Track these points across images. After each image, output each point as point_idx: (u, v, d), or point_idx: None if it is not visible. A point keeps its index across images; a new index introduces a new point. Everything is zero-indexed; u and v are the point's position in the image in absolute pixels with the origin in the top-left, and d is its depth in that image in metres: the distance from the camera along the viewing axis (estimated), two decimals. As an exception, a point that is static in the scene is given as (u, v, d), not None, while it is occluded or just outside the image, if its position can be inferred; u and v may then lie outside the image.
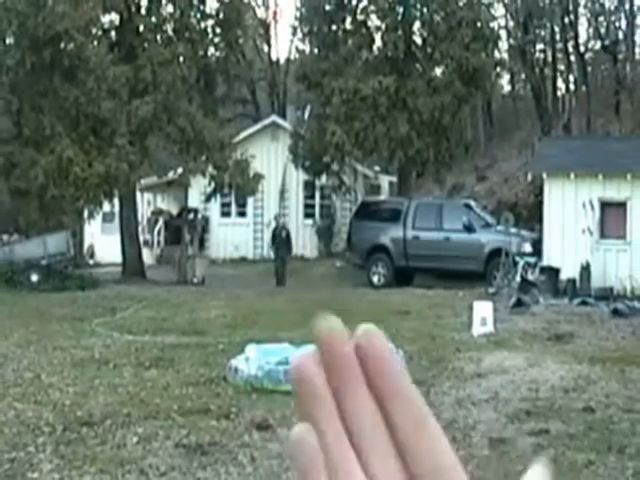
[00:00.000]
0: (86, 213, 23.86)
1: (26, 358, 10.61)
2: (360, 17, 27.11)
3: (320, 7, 27.10)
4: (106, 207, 25.32)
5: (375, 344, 0.46)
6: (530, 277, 17.77)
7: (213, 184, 23.75)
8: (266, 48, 46.55)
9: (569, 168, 19.75)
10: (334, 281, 24.43)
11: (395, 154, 26.46)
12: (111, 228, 29.53)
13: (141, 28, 23.44)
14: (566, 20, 36.76)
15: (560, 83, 40.47)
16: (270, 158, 30.50)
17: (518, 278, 17.43)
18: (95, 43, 22.26)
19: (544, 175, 20.09)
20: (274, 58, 46.10)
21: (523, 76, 40.91)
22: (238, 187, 24.00)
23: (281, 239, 24.28)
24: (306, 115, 29.30)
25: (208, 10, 24.24)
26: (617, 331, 12.97)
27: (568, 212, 19.44)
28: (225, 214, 31.25)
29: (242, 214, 30.45)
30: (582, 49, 37.72)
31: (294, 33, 30.13)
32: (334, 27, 27.17)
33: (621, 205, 19.19)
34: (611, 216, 19.27)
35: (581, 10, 37.80)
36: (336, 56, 26.32)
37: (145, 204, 31.88)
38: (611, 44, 36.53)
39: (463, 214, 22.53)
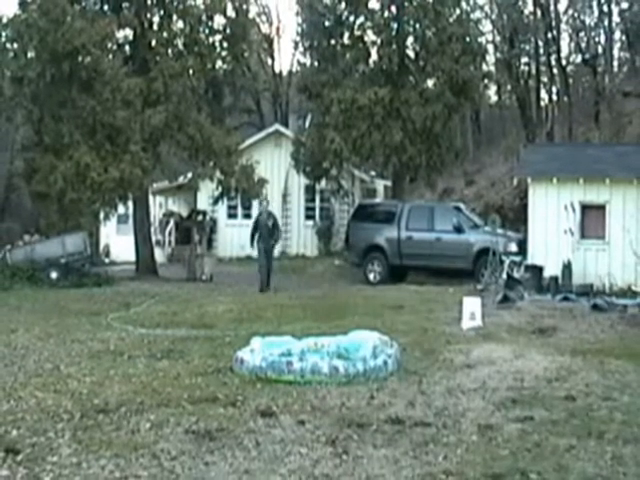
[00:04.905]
0: (102, 215, 23.85)
1: (46, 350, 10.60)
2: (357, 32, 27.09)
3: (320, 23, 27.09)
4: (121, 209, 25.34)
5: None
6: (515, 275, 17.75)
7: (220, 188, 23.72)
8: (270, 61, 46.63)
9: (552, 173, 19.74)
10: (333, 278, 24.43)
11: (390, 160, 26.46)
12: (125, 229, 29.53)
13: (153, 43, 23.42)
14: (549, 35, 36.75)
15: (543, 94, 40.52)
16: (273, 164, 30.50)
17: (504, 275, 17.41)
18: (110, 57, 22.23)
19: (529, 180, 20.08)
20: (277, 71, 46.19)
21: (509, 87, 40.91)
22: (244, 191, 23.96)
23: (267, 228, 19.83)
24: (307, 124, 29.28)
25: (216, 26, 24.20)
26: (597, 325, 12.96)
27: (551, 214, 19.42)
28: (232, 216, 31.27)
29: (247, 216, 30.38)
30: (564, 62, 37.75)
31: (296, 47, 30.12)
32: (333, 42, 27.14)
33: (600, 208, 19.18)
34: (591, 218, 19.26)
35: (563, 26, 37.83)
36: (335, 69, 26.30)
37: (157, 206, 31.88)
38: (591, 58, 36.53)
39: (453, 216, 22.52)
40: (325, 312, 14.36)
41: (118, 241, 32.05)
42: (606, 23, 36.23)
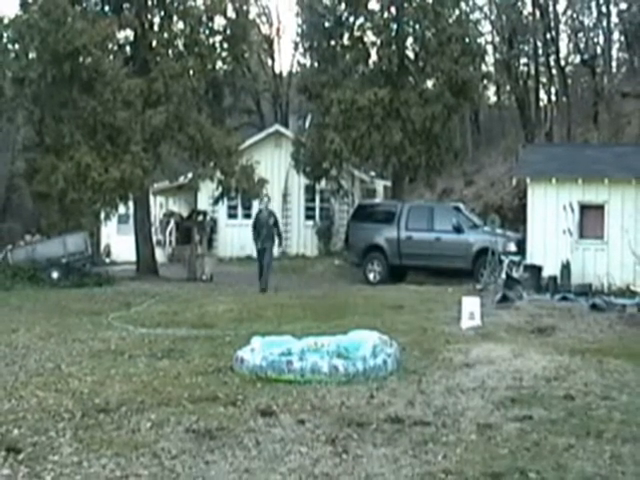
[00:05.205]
0: (103, 215, 23.81)
1: (47, 349, 10.60)
2: (357, 33, 27.11)
3: (320, 24, 27.10)
4: (121, 209, 25.31)
5: None
6: (514, 274, 17.76)
7: (221, 188, 23.72)
8: (270, 62, 46.61)
9: (551, 173, 19.74)
10: (333, 278, 24.44)
11: (389, 160, 26.48)
12: (126, 229, 29.54)
13: (154, 43, 23.42)
14: (548, 36, 36.75)
15: (542, 94, 40.49)
16: (274, 164, 30.50)
17: (503, 275, 17.43)
18: (111, 57, 22.23)
19: (527, 180, 20.07)
20: (277, 71, 46.17)
21: (508, 88, 40.91)
22: (244, 191, 23.97)
23: (267, 227, 19.41)
24: (307, 124, 29.30)
25: (216, 27, 24.20)
26: (595, 324, 12.96)
27: (550, 214, 19.43)
28: (232, 216, 31.27)
29: (248, 216, 30.33)
30: (563, 63, 37.73)
31: (296, 48, 30.15)
32: (333, 43, 27.16)
33: (599, 208, 19.18)
34: (590, 218, 19.26)
35: (562, 27, 37.82)
36: (335, 69, 26.31)
37: (158, 207, 31.88)
38: (590, 58, 36.52)
39: (452, 216, 22.52)
40: (325, 312, 14.36)
41: (119, 241, 32.05)
42: (605, 24, 36.22)
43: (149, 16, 23.58)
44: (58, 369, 9.31)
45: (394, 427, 6.86)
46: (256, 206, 27.29)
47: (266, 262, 19.58)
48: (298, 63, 31.80)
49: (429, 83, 27.08)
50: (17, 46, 21.54)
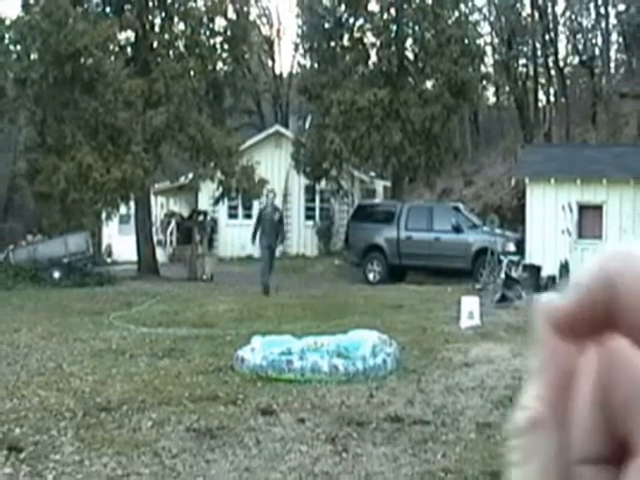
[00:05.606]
0: (104, 215, 23.81)
1: (49, 349, 10.59)
2: (357, 34, 27.11)
3: (320, 25, 27.11)
4: (123, 210, 25.28)
5: None
6: (513, 274, 17.74)
7: (221, 188, 23.72)
8: (270, 63, 46.56)
9: (549, 173, 19.76)
10: (333, 278, 24.42)
11: (389, 161, 26.48)
12: (127, 229, 29.51)
13: (155, 44, 23.42)
14: (547, 37, 36.78)
15: (541, 95, 40.50)
16: (274, 164, 30.49)
17: (502, 275, 17.40)
18: (112, 58, 22.24)
19: (526, 180, 20.09)
20: (277, 72, 46.12)
21: (507, 89, 40.92)
22: (244, 191, 23.97)
23: (272, 223, 18.12)
24: (307, 125, 29.27)
25: (217, 28, 24.22)
26: (594, 324, 12.94)
27: (549, 214, 19.44)
28: (232, 216, 31.25)
29: (248, 216, 30.35)
30: (561, 64, 37.75)
31: (296, 49, 30.19)
32: (333, 44, 27.16)
33: (597, 208, 19.21)
34: (588, 218, 19.28)
35: (560, 28, 37.84)
36: (335, 70, 26.31)
37: (159, 207, 31.85)
38: (588, 59, 36.54)
39: (452, 216, 22.51)
40: (325, 311, 14.36)
41: (120, 241, 32.02)
42: (603, 25, 36.26)
43: (150, 17, 23.58)
44: (60, 368, 9.31)
45: (394, 426, 6.86)
46: (256, 206, 27.16)
47: (270, 261, 18.72)
48: (298, 64, 31.81)
49: (428, 84, 27.08)
50: (19, 47, 21.56)
